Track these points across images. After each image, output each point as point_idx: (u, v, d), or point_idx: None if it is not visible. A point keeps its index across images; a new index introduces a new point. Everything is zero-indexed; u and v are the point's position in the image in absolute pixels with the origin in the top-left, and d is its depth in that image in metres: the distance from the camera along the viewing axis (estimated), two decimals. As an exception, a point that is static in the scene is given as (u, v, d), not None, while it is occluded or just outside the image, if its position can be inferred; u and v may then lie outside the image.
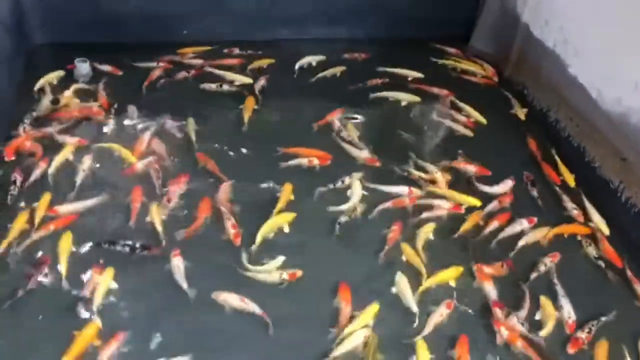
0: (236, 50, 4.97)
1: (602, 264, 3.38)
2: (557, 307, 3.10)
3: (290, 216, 3.52)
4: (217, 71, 4.73)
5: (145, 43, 4.90)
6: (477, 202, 3.67)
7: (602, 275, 3.33)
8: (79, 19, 4.84)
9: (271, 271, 3.20)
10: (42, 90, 4.38)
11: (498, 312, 3.04)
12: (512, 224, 3.56)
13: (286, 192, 3.67)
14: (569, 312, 3.07)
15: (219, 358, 2.85)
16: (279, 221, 3.49)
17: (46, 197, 3.50)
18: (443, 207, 3.62)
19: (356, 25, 5.23)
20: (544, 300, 3.14)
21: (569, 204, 3.71)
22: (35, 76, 4.48)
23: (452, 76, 4.93)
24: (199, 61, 4.85)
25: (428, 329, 2.96)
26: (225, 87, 4.57)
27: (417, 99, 4.57)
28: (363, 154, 4.00)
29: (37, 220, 3.33)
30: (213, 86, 4.56)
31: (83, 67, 4.58)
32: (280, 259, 3.25)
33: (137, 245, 3.26)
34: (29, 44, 4.80)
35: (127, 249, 3.24)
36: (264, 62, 4.90)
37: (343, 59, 5.00)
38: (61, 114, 4.16)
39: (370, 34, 5.25)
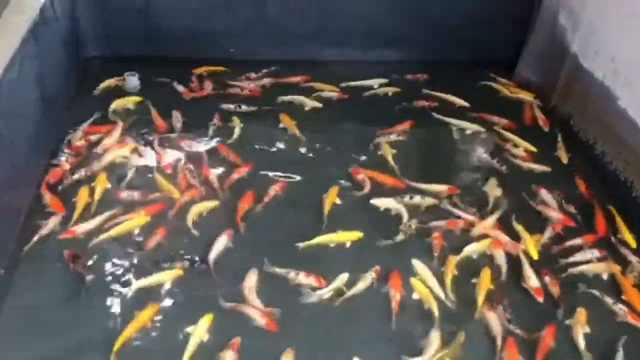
0: (252, 75, 4.95)
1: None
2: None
3: (355, 235, 3.54)
4: (287, 97, 4.72)
5: (192, 59, 5.00)
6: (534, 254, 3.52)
7: None
8: (130, 33, 4.98)
9: (361, 281, 3.25)
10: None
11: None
12: (581, 251, 3.51)
13: (331, 195, 3.77)
14: None
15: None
16: (344, 238, 3.51)
17: (102, 176, 3.79)
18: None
19: (403, 49, 5.24)
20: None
21: (633, 257, 3.48)
22: (87, 86, 4.69)
23: (500, 103, 4.88)
24: (267, 80, 4.92)
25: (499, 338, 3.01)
26: (244, 107, 4.58)
27: (481, 129, 4.51)
28: (442, 187, 3.92)
29: (96, 197, 3.65)
30: (232, 106, 4.57)
31: (132, 80, 4.70)
32: (344, 275, 3.28)
33: (197, 258, 3.32)
34: (82, 56, 4.96)
35: (187, 263, 3.30)
36: (327, 87, 4.89)
37: (405, 79, 5.04)
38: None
39: (417, 57, 5.25)
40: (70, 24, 4.67)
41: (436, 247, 3.49)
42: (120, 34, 4.98)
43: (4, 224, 3.36)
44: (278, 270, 3.29)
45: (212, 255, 3.34)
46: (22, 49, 3.62)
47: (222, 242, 3.43)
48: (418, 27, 5.11)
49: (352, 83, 4.94)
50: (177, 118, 4.40)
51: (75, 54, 4.77)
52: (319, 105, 4.68)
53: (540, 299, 3.23)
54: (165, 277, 3.22)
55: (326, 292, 3.20)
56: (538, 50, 5.01)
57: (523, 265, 3.39)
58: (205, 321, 3.00)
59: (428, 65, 5.17)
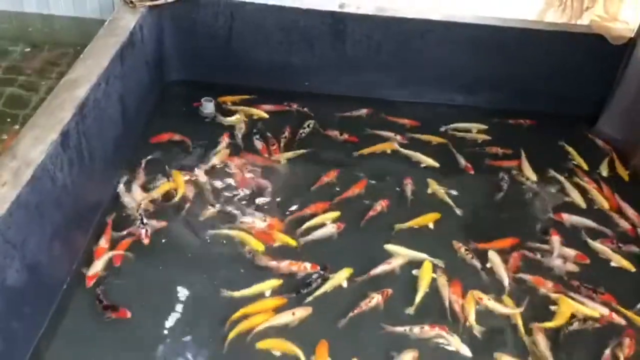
0: (294, 105, 4.92)
1: None
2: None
3: (431, 265, 3.53)
4: (404, 151, 4.50)
5: (268, 89, 5.05)
6: None
7: None
8: (210, 60, 5.09)
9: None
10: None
11: None
12: None
13: (427, 217, 3.83)
14: None
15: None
16: (429, 275, 3.44)
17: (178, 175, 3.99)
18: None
19: (480, 95, 5.17)
20: None
21: None
22: (164, 108, 4.82)
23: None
24: (363, 110, 4.95)
25: None
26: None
27: (583, 204, 4.17)
28: (571, 252, 3.72)
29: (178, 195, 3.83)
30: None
31: (208, 106, 4.78)
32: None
33: (323, 273, 3.36)
34: (162, 80, 5.08)
35: (320, 280, 3.33)
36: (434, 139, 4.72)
37: (507, 124, 4.99)
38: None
39: (492, 105, 5.16)
40: (155, 48, 4.81)
41: (512, 267, 3.56)
42: (201, 60, 5.08)
43: (76, 237, 3.44)
44: (399, 329, 3.15)
45: (310, 237, 3.60)
46: (109, 69, 3.75)
47: (328, 230, 3.64)
48: (499, 76, 5.03)
49: (452, 125, 4.87)
50: (240, 130, 4.55)
51: (156, 77, 4.90)
52: (435, 164, 4.42)
53: None
54: (265, 287, 3.28)
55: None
56: (622, 107, 4.83)
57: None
58: (345, 272, 3.34)
59: (499, 113, 5.07)
